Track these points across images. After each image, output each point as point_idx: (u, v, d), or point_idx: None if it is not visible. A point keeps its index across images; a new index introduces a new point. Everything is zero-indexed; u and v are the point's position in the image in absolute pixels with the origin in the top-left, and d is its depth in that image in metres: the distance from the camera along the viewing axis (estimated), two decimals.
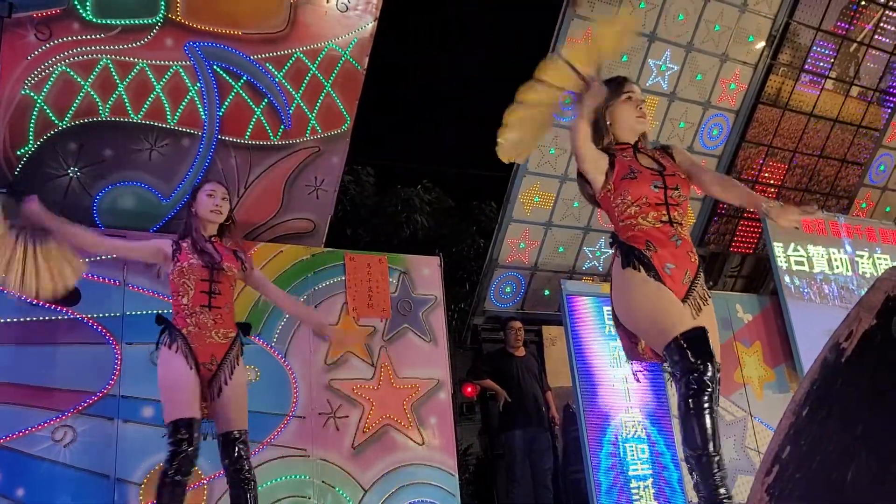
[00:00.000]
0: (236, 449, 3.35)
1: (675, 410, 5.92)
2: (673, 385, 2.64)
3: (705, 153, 7.39)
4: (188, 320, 3.38)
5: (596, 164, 2.88)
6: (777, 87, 7.43)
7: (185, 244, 3.50)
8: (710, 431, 2.49)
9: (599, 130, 2.97)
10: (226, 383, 3.38)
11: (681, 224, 2.85)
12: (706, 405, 2.50)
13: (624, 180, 2.84)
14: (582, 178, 2.95)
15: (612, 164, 2.88)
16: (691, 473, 2.55)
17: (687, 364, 2.55)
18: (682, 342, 2.57)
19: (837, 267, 7.21)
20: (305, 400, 4.86)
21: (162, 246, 3.52)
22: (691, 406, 2.51)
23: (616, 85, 3.00)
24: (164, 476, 3.22)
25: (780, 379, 6.72)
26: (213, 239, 3.59)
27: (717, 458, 2.49)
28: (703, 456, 2.50)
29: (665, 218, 2.81)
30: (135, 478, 4.23)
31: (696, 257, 2.86)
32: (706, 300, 2.81)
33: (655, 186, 2.83)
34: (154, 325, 3.46)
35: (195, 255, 3.45)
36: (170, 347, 3.34)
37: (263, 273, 4.97)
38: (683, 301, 2.76)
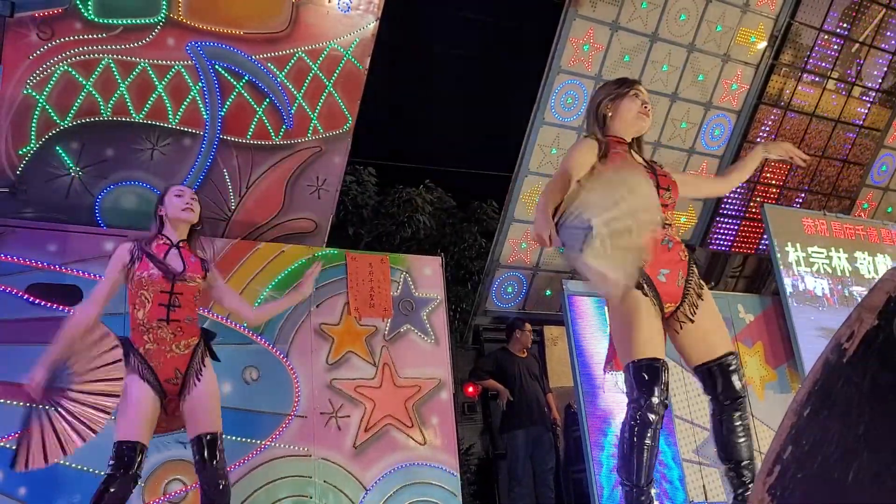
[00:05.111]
0: (210, 451, 3.16)
1: (676, 410, 5.98)
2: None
3: (707, 153, 7.39)
4: (145, 337, 3.19)
5: (583, 167, 2.71)
6: (779, 88, 7.43)
7: (146, 251, 3.27)
8: (645, 466, 2.50)
9: (598, 123, 2.89)
10: (195, 384, 3.21)
11: (671, 225, 2.78)
12: (647, 440, 2.50)
13: None
14: None
15: (605, 154, 2.76)
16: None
17: (632, 392, 2.56)
18: (637, 369, 2.57)
19: (838, 267, 7.20)
20: (307, 399, 4.86)
21: (122, 257, 3.27)
22: (634, 438, 2.51)
23: (624, 82, 2.93)
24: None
25: (781, 379, 6.71)
26: (181, 244, 3.37)
27: (647, 491, 2.49)
28: (633, 489, 2.51)
29: None
30: None
31: (687, 254, 2.80)
32: (701, 297, 2.76)
33: None
34: None
35: (155, 266, 3.22)
36: (129, 368, 3.16)
37: (262, 277, 4.99)
38: (681, 303, 2.73)
